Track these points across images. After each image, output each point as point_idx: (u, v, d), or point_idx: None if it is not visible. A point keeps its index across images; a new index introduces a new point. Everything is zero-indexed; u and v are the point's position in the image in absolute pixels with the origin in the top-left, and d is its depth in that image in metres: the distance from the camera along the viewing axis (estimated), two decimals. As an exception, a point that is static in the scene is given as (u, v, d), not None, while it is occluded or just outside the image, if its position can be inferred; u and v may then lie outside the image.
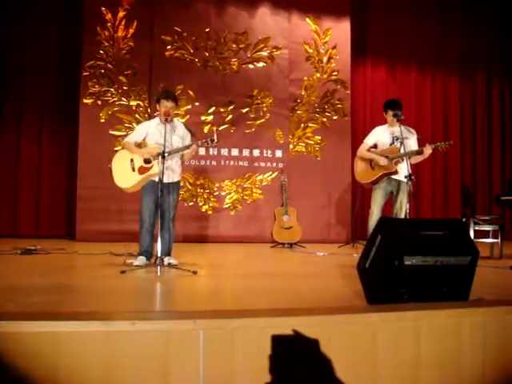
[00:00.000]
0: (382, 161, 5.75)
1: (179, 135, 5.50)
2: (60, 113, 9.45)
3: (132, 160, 5.39)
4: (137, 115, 9.13)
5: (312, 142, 9.80)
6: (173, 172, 5.46)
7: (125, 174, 5.38)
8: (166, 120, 5.25)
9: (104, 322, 2.27)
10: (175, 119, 5.69)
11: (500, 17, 11.20)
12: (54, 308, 3.10)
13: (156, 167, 5.21)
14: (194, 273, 4.73)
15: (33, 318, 2.31)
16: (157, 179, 5.17)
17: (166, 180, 5.19)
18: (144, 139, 5.54)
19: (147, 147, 5.46)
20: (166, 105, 5.34)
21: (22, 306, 3.14)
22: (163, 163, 4.94)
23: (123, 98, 9.11)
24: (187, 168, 9.07)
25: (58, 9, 9.41)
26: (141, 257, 5.35)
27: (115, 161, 5.53)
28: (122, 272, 4.67)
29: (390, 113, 5.85)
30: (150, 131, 5.48)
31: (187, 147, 5.31)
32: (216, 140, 5.15)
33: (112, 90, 9.08)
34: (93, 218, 8.71)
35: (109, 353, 2.27)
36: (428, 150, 5.60)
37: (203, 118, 9.33)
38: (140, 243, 5.45)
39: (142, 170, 5.33)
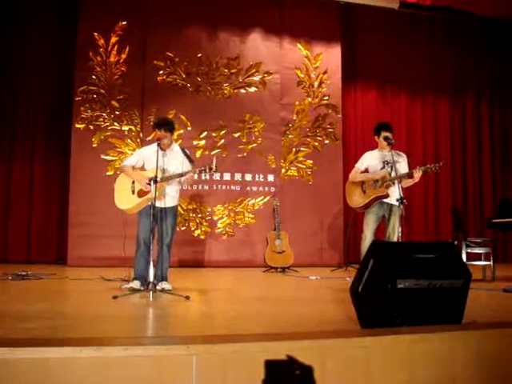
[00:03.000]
0: (378, 175, 5.78)
1: (178, 161, 5.53)
2: (52, 138, 9.46)
3: (133, 182, 5.46)
4: (129, 140, 9.14)
5: (304, 166, 9.84)
6: (168, 197, 5.48)
7: (125, 195, 5.48)
8: (159, 145, 5.29)
9: (96, 348, 2.25)
10: (175, 145, 5.75)
11: (489, 41, 11.36)
12: (45, 334, 3.06)
13: (153, 191, 5.24)
14: (187, 298, 4.70)
15: (23, 344, 2.29)
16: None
17: (161, 205, 5.33)
18: (143, 164, 5.59)
19: (146, 172, 5.50)
20: (158, 133, 5.44)
21: (12, 332, 3.11)
22: (155, 188, 5.00)
23: (115, 123, 9.13)
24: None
25: (51, 34, 9.46)
26: (135, 281, 5.33)
27: (118, 182, 5.63)
28: (114, 297, 4.64)
29: (383, 134, 5.85)
30: (148, 156, 5.53)
31: (181, 175, 5.34)
32: (215, 169, 5.17)
33: (104, 114, 9.10)
34: (84, 244, 8.66)
35: (101, 379, 2.24)
36: (418, 173, 5.62)
37: (195, 142, 9.35)
38: (134, 268, 5.44)
39: (140, 194, 5.39)
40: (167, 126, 5.51)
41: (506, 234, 9.71)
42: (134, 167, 5.58)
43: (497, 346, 2.78)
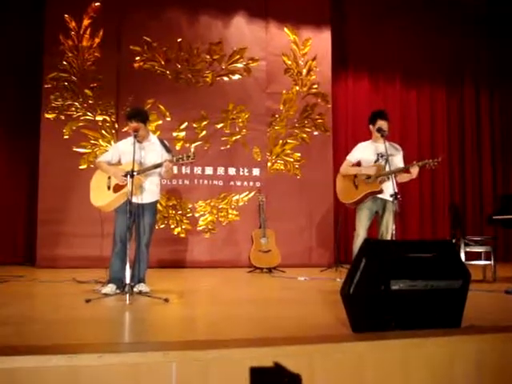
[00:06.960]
0: (371, 168, 5.79)
1: (157, 152, 5.50)
2: (19, 128, 9.35)
3: (109, 178, 5.43)
4: (103, 131, 9.08)
5: (291, 160, 9.83)
6: (146, 192, 5.44)
7: (100, 192, 5.45)
8: (135, 137, 5.26)
9: (67, 356, 2.24)
10: (153, 136, 5.74)
11: (488, 29, 11.42)
12: (11, 341, 3.04)
13: (129, 186, 5.21)
14: (166, 300, 4.69)
15: (-12, 353, 2.27)
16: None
17: (138, 201, 5.31)
18: (119, 159, 5.56)
19: (122, 165, 5.46)
20: (130, 125, 5.40)
21: (-24, 339, 3.08)
22: (132, 183, 4.99)
23: (88, 113, 9.06)
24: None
25: (19, 15, 9.35)
26: (110, 284, 5.27)
27: (94, 179, 5.60)
28: (88, 301, 4.60)
29: (379, 123, 5.84)
30: (124, 150, 5.50)
31: (156, 166, 5.31)
32: (192, 156, 5.13)
33: (76, 103, 9.02)
34: (55, 243, 8.59)
35: (72, 390, 2.23)
36: (415, 169, 5.62)
37: (175, 134, 9.31)
38: (109, 269, 5.40)
39: (116, 188, 5.36)
40: (138, 116, 5.44)
41: (507, 231, 9.78)
42: (109, 163, 5.54)
43: (498, 351, 2.80)
